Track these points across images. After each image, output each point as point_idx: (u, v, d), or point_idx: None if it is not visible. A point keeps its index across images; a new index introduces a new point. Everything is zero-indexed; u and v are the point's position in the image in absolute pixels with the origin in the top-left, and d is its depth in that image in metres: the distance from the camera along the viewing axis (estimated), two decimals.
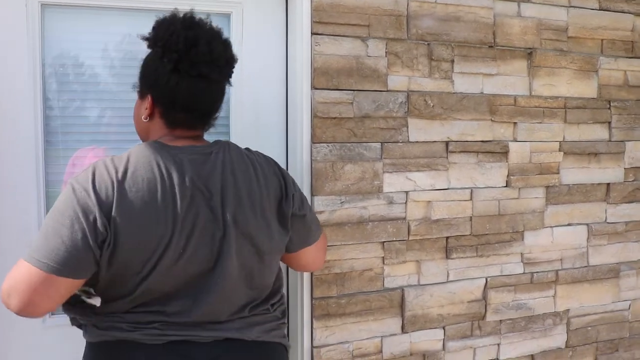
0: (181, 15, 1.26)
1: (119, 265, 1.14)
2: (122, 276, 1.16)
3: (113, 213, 1.12)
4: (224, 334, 1.25)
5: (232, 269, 1.22)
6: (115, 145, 1.66)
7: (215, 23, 1.31)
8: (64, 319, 1.59)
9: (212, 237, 1.20)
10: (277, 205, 1.32)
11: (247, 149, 1.37)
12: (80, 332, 1.29)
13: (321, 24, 1.66)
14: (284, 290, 1.75)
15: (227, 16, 1.76)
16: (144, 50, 1.30)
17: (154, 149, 1.20)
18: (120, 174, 1.15)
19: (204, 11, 1.71)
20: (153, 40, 1.25)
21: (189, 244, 1.18)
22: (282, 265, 1.78)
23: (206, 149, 1.27)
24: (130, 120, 1.41)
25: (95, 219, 1.11)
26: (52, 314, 1.64)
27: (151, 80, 1.27)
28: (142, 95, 1.32)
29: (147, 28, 1.28)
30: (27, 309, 1.12)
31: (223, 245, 1.21)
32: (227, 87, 1.34)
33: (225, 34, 1.31)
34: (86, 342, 1.27)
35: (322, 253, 1.54)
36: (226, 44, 1.29)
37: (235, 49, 1.34)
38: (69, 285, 1.13)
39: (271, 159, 1.39)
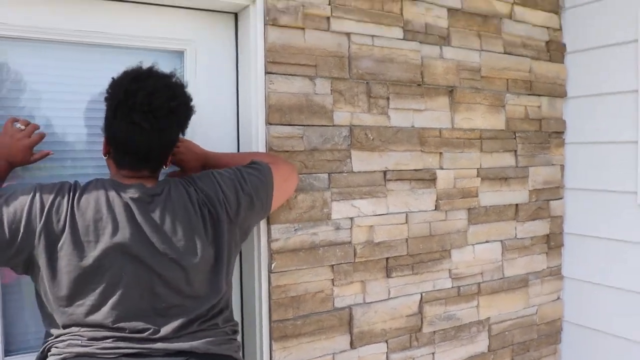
0: (138, 70, 1.41)
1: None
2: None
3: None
4: (175, 347, 1.33)
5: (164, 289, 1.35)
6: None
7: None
8: (19, 359, 1.58)
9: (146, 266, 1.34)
10: (226, 214, 1.46)
11: (187, 178, 1.49)
12: None
13: (274, 64, 1.78)
14: (239, 316, 1.85)
15: (180, 54, 1.83)
16: (96, 84, 1.59)
17: (108, 184, 1.37)
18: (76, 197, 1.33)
19: (159, 48, 1.78)
20: (108, 87, 1.41)
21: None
22: (238, 293, 1.87)
23: (150, 190, 1.40)
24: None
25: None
26: (6, 355, 1.59)
27: (105, 122, 1.43)
28: (104, 135, 1.46)
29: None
30: None
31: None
32: (173, 133, 1.45)
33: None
34: None
35: (288, 184, 1.68)
36: (174, 97, 1.40)
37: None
38: None
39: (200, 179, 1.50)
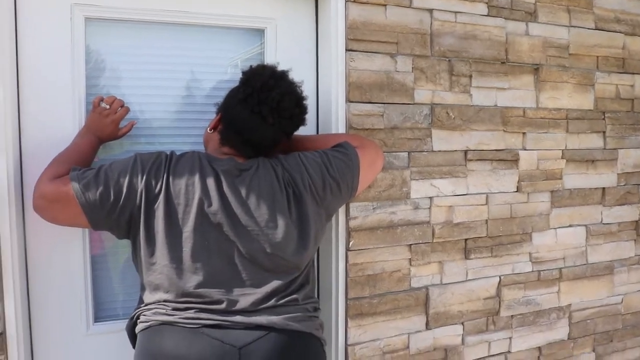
0: (274, 69, 1.50)
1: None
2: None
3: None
4: (254, 321, 1.35)
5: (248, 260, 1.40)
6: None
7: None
8: (106, 326, 1.67)
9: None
10: (311, 197, 1.49)
11: (275, 158, 1.53)
12: (120, 341, 1.47)
13: (355, 41, 1.77)
14: (317, 292, 1.86)
15: (261, 32, 1.85)
16: (182, 62, 1.72)
17: (203, 155, 1.45)
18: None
19: (239, 26, 1.81)
20: (243, 73, 1.50)
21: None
22: (315, 270, 1.89)
23: (240, 165, 1.45)
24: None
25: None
26: (95, 322, 1.69)
27: (226, 102, 1.53)
28: (217, 112, 1.54)
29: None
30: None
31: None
32: (285, 135, 1.53)
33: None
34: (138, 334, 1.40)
35: (374, 168, 1.68)
36: (299, 105, 1.50)
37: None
38: None
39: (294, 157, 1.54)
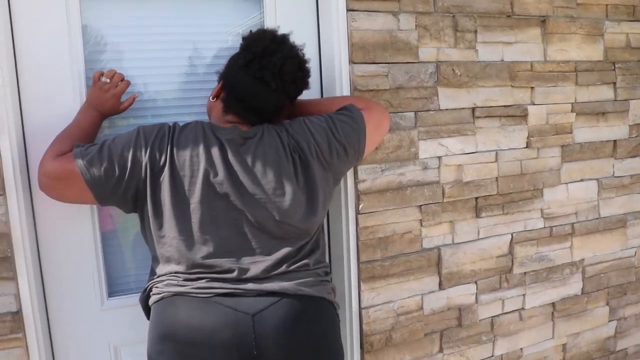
0: (275, 33, 1.47)
1: None
2: None
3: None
4: (266, 287, 1.35)
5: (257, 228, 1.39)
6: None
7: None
8: (121, 300, 1.68)
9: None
10: (318, 161, 1.47)
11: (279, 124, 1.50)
12: (135, 314, 1.49)
13: (356, 1, 1.72)
14: (327, 258, 1.86)
15: None
16: (181, 32, 1.68)
17: (206, 125, 1.43)
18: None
19: None
20: (244, 39, 1.47)
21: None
22: (325, 235, 1.88)
23: (244, 133, 1.42)
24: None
25: None
26: (110, 297, 1.70)
27: (227, 69, 1.50)
28: (219, 80, 1.51)
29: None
30: None
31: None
32: (288, 99, 1.50)
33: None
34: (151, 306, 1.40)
35: (380, 130, 1.66)
36: (302, 68, 1.47)
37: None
38: None
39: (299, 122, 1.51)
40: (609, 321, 2.35)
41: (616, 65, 2.20)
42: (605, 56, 2.18)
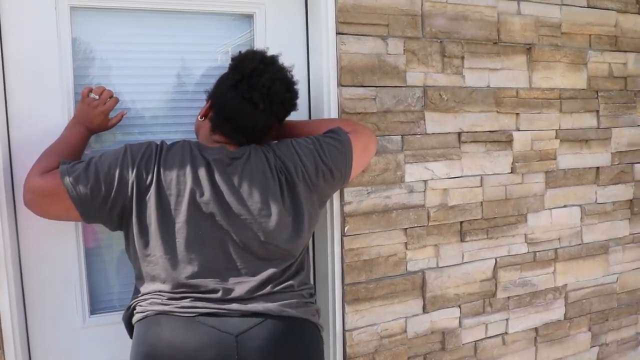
0: (264, 54, 1.48)
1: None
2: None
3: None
4: (250, 308, 1.34)
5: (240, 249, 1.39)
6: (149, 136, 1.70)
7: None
8: (103, 318, 1.66)
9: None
10: (304, 184, 1.47)
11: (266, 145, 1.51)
12: (117, 333, 1.47)
13: (345, 24, 1.75)
14: (312, 279, 1.85)
15: (250, 17, 1.82)
16: (172, 50, 1.69)
17: (193, 144, 1.43)
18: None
19: (228, 12, 1.78)
20: (233, 59, 1.48)
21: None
22: (311, 256, 1.88)
23: (231, 153, 1.43)
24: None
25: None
26: (92, 314, 1.68)
27: (216, 88, 1.51)
28: (207, 99, 1.52)
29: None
30: None
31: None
32: (276, 120, 1.51)
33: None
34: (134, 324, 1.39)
35: (367, 153, 1.66)
36: (290, 89, 1.49)
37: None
38: None
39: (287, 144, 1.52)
40: (591, 347, 2.36)
41: (599, 94, 2.25)
42: (589, 84, 2.22)
